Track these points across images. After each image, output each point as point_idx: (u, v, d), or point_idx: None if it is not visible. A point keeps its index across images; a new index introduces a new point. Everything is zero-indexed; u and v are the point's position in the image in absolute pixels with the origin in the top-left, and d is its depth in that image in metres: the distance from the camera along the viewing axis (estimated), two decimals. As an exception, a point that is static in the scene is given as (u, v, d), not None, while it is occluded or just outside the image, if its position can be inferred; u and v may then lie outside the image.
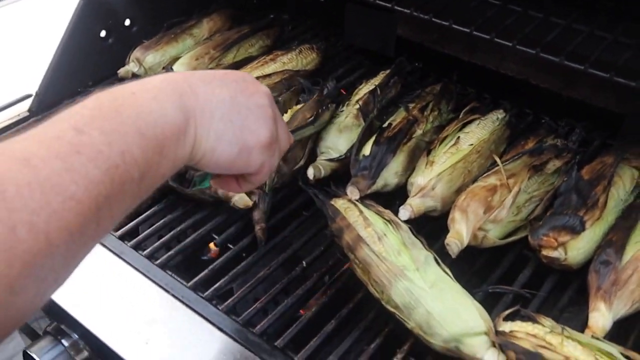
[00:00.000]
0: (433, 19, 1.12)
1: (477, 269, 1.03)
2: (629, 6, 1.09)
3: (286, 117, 1.20)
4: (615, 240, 0.97)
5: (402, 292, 0.89)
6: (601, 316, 0.90)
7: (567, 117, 1.27)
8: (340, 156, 1.15)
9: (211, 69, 1.35)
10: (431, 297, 0.88)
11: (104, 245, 1.05)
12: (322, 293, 0.99)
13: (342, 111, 1.24)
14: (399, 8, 1.17)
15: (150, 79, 0.64)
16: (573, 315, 0.99)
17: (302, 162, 1.18)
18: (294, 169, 1.16)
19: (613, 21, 1.05)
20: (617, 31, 1.04)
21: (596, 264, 0.95)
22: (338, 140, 1.17)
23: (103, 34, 1.41)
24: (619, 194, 1.05)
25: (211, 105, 0.66)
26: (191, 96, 0.64)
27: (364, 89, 1.28)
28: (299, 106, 1.24)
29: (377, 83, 1.29)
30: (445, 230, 1.06)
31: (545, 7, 1.11)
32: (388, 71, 1.33)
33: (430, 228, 1.09)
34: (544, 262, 1.01)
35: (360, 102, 1.22)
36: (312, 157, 1.20)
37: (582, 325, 0.94)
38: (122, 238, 1.07)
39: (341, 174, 1.16)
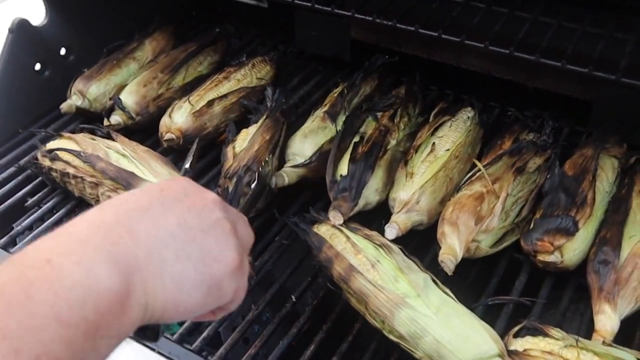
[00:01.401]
0: (377, 20, 1.06)
1: (472, 281, 1.00)
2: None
3: (241, 141, 1.13)
4: (609, 237, 0.95)
5: (405, 322, 0.84)
6: (608, 319, 0.88)
7: (533, 107, 1.25)
8: (305, 161, 1.10)
9: (161, 94, 1.26)
10: (438, 324, 0.83)
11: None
12: (317, 329, 0.93)
13: (311, 116, 1.19)
14: (339, 12, 1.11)
15: (73, 227, 0.50)
16: (575, 315, 0.97)
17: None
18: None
19: (580, 12, 1.03)
20: (585, 21, 1.01)
21: (594, 264, 0.93)
22: (303, 146, 1.12)
23: (38, 67, 1.30)
24: (603, 186, 1.03)
25: (158, 245, 0.52)
26: (129, 242, 0.50)
27: (338, 92, 1.23)
28: (251, 128, 1.16)
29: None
30: (432, 241, 1.03)
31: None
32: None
33: (417, 242, 1.05)
34: (540, 267, 0.98)
35: (328, 105, 1.17)
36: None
37: (587, 323, 0.92)
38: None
39: (310, 180, 1.11)
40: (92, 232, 0.49)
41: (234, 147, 1.11)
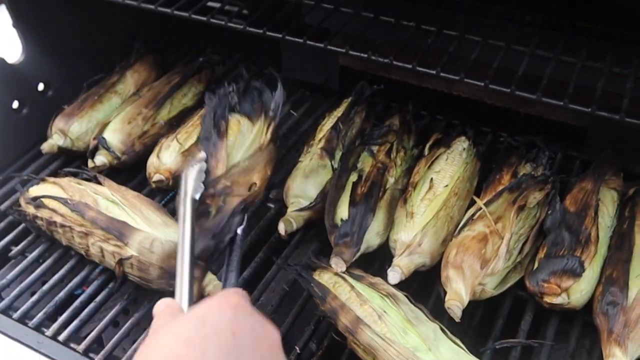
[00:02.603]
0: (372, 58, 1.03)
1: (477, 323, 0.99)
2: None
3: (233, 137, 1.05)
4: (615, 277, 0.93)
5: (417, 377, 0.82)
6: (619, 363, 0.87)
7: (525, 130, 1.24)
8: (310, 203, 1.07)
9: (147, 130, 1.22)
10: (451, 379, 0.81)
11: None
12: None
13: (306, 153, 1.15)
14: (333, 48, 1.08)
15: None
16: (582, 352, 0.96)
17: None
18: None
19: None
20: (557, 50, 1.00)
21: (602, 305, 0.92)
22: (306, 187, 1.09)
23: (15, 104, 1.24)
24: (605, 221, 1.02)
25: None
26: None
27: (328, 124, 1.20)
28: (244, 123, 1.09)
29: (339, 115, 1.20)
30: (434, 279, 1.01)
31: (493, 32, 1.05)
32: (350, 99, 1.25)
33: (419, 282, 1.03)
34: (545, 307, 0.97)
35: (323, 141, 1.13)
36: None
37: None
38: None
39: (314, 221, 1.08)
40: None
41: (227, 144, 1.02)
